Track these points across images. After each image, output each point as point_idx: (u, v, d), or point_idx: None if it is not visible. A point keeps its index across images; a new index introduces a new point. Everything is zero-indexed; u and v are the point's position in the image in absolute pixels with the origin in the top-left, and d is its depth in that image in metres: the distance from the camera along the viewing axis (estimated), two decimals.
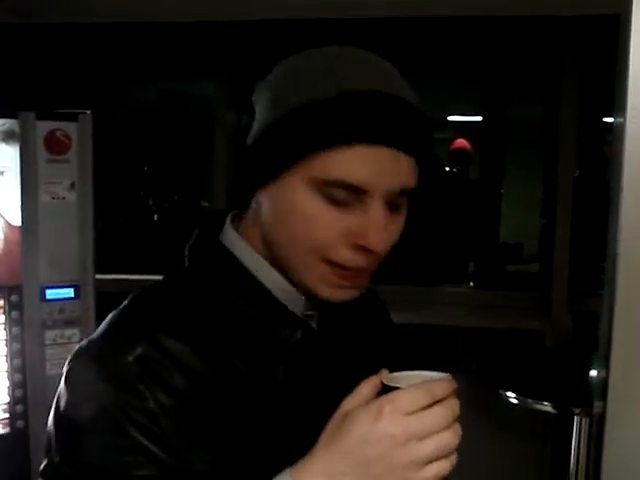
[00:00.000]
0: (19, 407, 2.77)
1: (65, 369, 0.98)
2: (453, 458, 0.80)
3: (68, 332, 2.78)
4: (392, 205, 0.92)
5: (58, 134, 2.74)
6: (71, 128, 2.77)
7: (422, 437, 0.77)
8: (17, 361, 2.77)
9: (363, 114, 0.84)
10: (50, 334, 2.75)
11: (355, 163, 0.85)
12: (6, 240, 2.71)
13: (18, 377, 2.78)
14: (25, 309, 2.76)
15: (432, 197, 5.17)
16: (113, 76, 3.37)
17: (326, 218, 0.89)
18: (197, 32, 3.57)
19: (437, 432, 0.77)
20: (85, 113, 2.79)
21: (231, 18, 3.33)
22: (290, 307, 1.02)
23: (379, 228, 0.88)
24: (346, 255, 0.90)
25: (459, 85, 5.08)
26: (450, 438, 0.79)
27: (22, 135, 2.70)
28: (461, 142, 5.35)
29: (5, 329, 2.74)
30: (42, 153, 2.72)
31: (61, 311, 2.77)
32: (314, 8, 3.11)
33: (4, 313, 2.74)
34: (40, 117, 2.73)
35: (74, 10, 3.10)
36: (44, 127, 2.73)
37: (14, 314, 2.75)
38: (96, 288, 2.81)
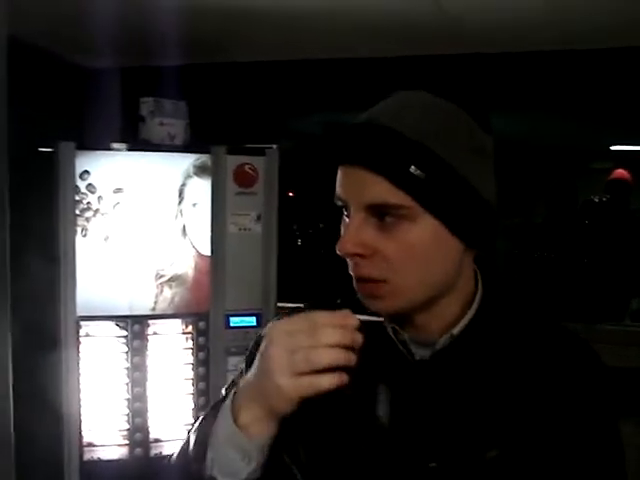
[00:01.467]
0: None
1: None
2: (333, 377, 0.92)
3: None
4: (382, 219, 1.00)
5: (247, 168, 2.86)
6: (259, 162, 2.88)
7: (293, 350, 0.91)
8: (202, 385, 2.88)
9: (339, 142, 1.04)
10: (233, 360, 2.85)
11: (339, 180, 1.03)
12: (196, 269, 2.84)
13: (202, 400, 2.90)
14: (210, 335, 2.87)
15: (588, 229, 5.04)
16: (283, 109, 3.48)
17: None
18: (361, 66, 3.63)
19: (307, 348, 0.91)
20: (272, 148, 2.90)
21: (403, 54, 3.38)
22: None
23: (346, 232, 1.01)
24: (349, 264, 1.04)
25: (623, 114, 4.95)
26: (320, 355, 0.91)
27: (214, 169, 2.83)
28: (620, 172, 5.19)
29: (192, 354, 2.86)
30: (231, 186, 2.85)
31: (244, 338, 2.86)
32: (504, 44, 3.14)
33: (192, 339, 2.86)
34: (230, 152, 2.85)
35: (257, 49, 3.24)
36: (234, 161, 2.85)
37: (201, 340, 2.87)
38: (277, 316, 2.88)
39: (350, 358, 0.93)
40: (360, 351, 0.95)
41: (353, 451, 1.07)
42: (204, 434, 1.01)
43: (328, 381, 0.92)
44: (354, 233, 1.01)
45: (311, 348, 0.91)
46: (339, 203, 1.05)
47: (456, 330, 1.07)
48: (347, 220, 1.04)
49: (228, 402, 0.99)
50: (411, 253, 1.01)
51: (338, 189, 1.04)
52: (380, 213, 1.00)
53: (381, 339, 1.09)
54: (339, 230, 1.06)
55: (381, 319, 1.00)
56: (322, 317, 0.94)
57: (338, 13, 2.87)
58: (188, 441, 1.05)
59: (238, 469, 0.97)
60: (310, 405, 0.96)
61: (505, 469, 1.02)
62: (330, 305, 1.04)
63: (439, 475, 1.03)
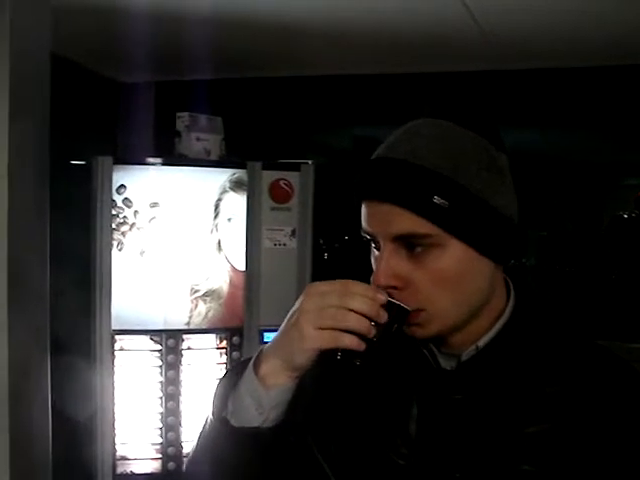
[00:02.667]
0: None
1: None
2: (353, 338, 0.97)
3: None
4: (411, 249, 1.04)
5: (282, 183, 2.86)
6: (294, 177, 2.88)
7: (322, 307, 0.98)
8: None
9: (362, 179, 1.07)
10: None
11: (365, 215, 1.07)
12: (231, 284, 2.84)
13: None
14: (244, 350, 2.87)
15: (617, 245, 5.01)
16: (315, 123, 3.49)
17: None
18: (389, 82, 3.63)
19: (335, 307, 0.97)
20: (307, 163, 2.90)
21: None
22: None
23: (378, 265, 1.04)
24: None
25: None
26: (345, 316, 0.97)
27: (249, 184, 2.83)
28: None
29: (226, 369, 2.86)
30: (266, 201, 2.85)
31: None
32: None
33: (226, 354, 2.86)
34: (266, 167, 2.86)
35: (291, 64, 3.25)
36: (269, 176, 2.86)
37: (235, 355, 2.87)
38: None
39: (370, 329, 0.98)
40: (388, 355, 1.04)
41: (380, 458, 1.10)
42: (224, 387, 1.08)
43: (349, 339, 0.97)
44: (386, 265, 1.04)
45: (339, 308, 0.97)
46: (367, 237, 1.09)
47: (483, 342, 1.09)
48: (377, 253, 1.08)
49: (253, 357, 1.06)
50: (444, 279, 1.04)
51: (365, 224, 1.07)
52: (409, 243, 1.04)
53: (408, 347, 1.11)
54: (364, 243, 1.11)
55: (408, 308, 1.02)
56: (356, 285, 1.00)
57: (370, 29, 2.87)
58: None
59: (251, 417, 1.03)
60: (327, 380, 1.08)
61: None
62: None
63: None
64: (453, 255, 1.04)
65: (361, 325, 0.98)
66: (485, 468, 1.04)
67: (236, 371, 1.08)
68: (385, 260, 1.04)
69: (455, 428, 1.07)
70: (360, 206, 1.08)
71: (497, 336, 1.09)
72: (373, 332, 0.99)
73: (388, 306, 1.00)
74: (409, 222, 1.02)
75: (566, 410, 1.04)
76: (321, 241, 7.26)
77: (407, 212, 1.02)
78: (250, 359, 1.07)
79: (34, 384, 2.47)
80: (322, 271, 3.04)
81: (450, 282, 1.04)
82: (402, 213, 1.02)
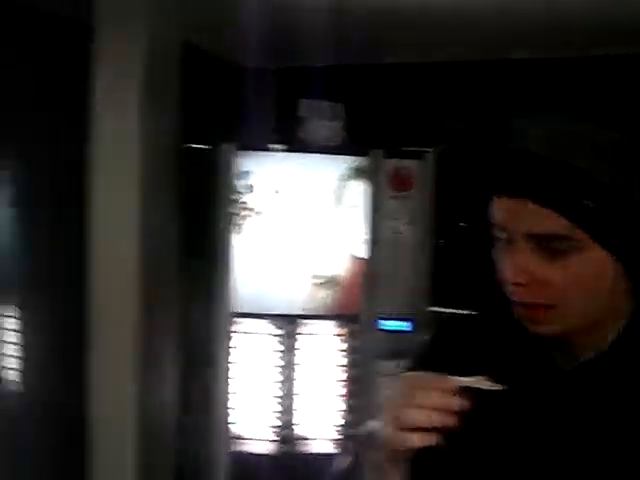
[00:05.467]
0: (351, 430, 2.88)
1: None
2: (422, 437, 0.95)
3: (400, 363, 2.84)
4: (549, 250, 0.99)
5: (402, 172, 2.83)
6: (415, 165, 2.84)
7: (394, 406, 0.97)
8: (351, 387, 2.89)
9: (499, 172, 1.02)
10: (383, 364, 2.83)
11: (500, 210, 1.02)
12: (350, 271, 2.84)
13: (351, 402, 2.90)
14: (361, 338, 2.87)
15: None
16: (436, 111, 3.40)
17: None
18: (514, 68, 3.51)
19: (400, 406, 0.96)
20: (428, 151, 2.85)
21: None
22: None
23: (514, 262, 1.01)
24: (509, 289, 1.03)
25: None
26: (408, 415, 0.95)
27: (370, 172, 2.81)
28: None
29: (343, 355, 2.87)
30: (387, 189, 2.82)
31: (394, 342, 2.84)
32: None
33: (343, 340, 2.87)
34: (388, 155, 2.83)
35: (413, 50, 3.20)
36: (391, 164, 2.83)
37: (352, 342, 2.87)
38: (430, 322, 2.85)
39: (445, 420, 0.95)
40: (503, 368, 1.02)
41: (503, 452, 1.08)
42: None
43: (417, 439, 0.96)
44: (519, 262, 1.02)
45: (403, 407, 0.96)
46: (500, 233, 1.05)
47: (604, 343, 1.06)
48: (504, 246, 1.04)
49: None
50: (579, 282, 1.01)
51: (500, 218, 1.03)
52: (546, 243, 1.00)
53: (527, 346, 1.09)
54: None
55: (496, 387, 0.98)
56: (419, 379, 0.99)
57: (495, 14, 2.79)
58: None
59: None
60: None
61: None
62: (503, 314, 1.08)
63: None
64: (593, 260, 1.01)
65: (429, 420, 0.96)
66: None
67: None
68: (517, 256, 1.02)
69: (570, 428, 1.04)
70: (489, 197, 1.05)
71: (619, 338, 1.06)
72: (450, 420, 0.95)
73: (465, 389, 0.97)
74: (553, 222, 0.99)
75: None
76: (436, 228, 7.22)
77: (551, 212, 0.98)
78: None
79: (165, 363, 2.56)
80: (437, 259, 2.99)
81: (584, 286, 1.01)
82: (545, 212, 0.98)
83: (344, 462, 1.05)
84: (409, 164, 2.84)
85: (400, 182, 2.84)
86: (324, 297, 2.84)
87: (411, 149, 2.86)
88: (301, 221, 2.81)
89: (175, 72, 2.43)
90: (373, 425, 1.05)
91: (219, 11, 2.88)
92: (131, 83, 2.28)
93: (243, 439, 2.90)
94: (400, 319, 2.86)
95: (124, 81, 2.29)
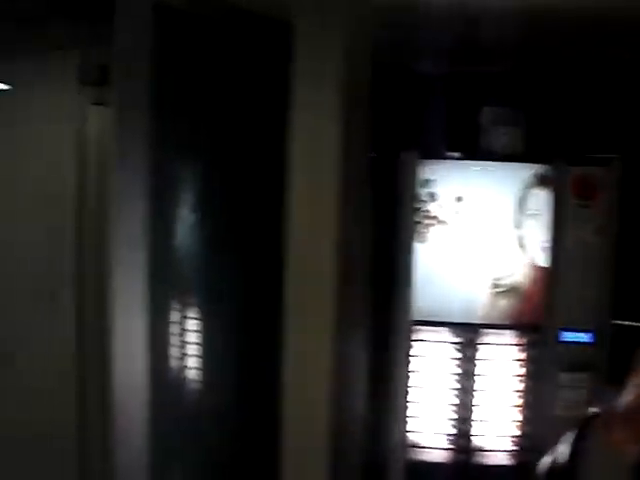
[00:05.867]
0: (524, 441, 2.84)
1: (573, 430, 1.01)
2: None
3: (579, 376, 2.78)
4: None
5: (587, 179, 2.77)
6: (600, 173, 2.77)
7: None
8: (530, 398, 2.84)
9: None
10: (564, 376, 2.77)
11: None
12: (532, 280, 2.80)
13: (527, 413, 2.86)
14: (542, 349, 2.82)
15: None
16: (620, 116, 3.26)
17: None
18: None
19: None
20: (615, 158, 2.78)
21: None
22: None
23: None
24: None
25: None
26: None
27: (554, 180, 2.76)
28: None
29: (522, 366, 2.83)
30: (570, 198, 2.77)
31: (575, 354, 2.78)
32: None
33: (523, 351, 2.83)
34: (571, 162, 2.77)
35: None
36: (575, 172, 2.77)
37: (532, 353, 2.83)
38: (612, 335, 2.78)
39: None
40: None
41: None
42: None
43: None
44: None
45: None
46: None
47: None
48: None
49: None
50: None
51: None
52: None
53: None
54: None
55: None
56: None
57: None
58: None
59: None
60: None
61: None
62: None
63: None
64: None
65: None
66: None
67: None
68: None
69: None
70: None
71: None
72: None
73: None
74: None
75: None
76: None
77: None
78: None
79: (354, 371, 2.60)
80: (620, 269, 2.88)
81: None
82: None
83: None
84: (594, 171, 2.78)
85: (585, 190, 2.77)
86: (504, 306, 2.81)
87: (596, 156, 2.79)
88: (483, 229, 2.79)
89: (367, 76, 2.45)
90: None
91: (397, 20, 2.89)
92: (330, 82, 2.30)
93: (420, 447, 2.90)
94: (581, 331, 2.80)
95: (322, 81, 2.32)
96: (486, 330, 2.82)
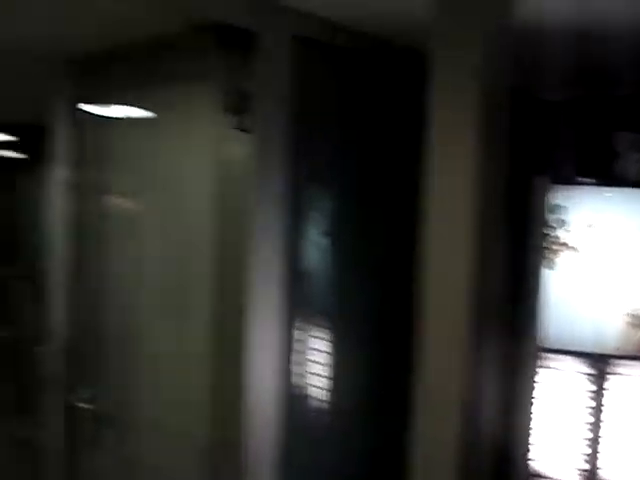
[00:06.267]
0: None
1: None
2: None
3: None
4: None
5: None
6: None
7: None
8: None
9: None
10: None
11: None
12: None
13: None
14: None
15: None
16: None
17: None
18: None
19: None
20: None
21: None
22: None
23: None
24: None
25: None
26: None
27: None
28: None
29: None
30: None
31: None
32: None
33: None
34: None
35: None
36: None
37: None
38: None
39: None
40: None
41: None
42: None
43: None
44: None
45: None
46: None
47: None
48: None
49: None
50: None
51: None
52: None
53: None
54: None
55: None
56: None
57: None
58: None
59: None
60: None
61: None
62: None
63: None
64: None
65: None
66: None
67: None
68: None
69: None
70: None
71: None
72: None
73: None
74: None
75: None
76: None
77: None
78: None
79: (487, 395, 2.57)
80: None
81: None
82: None
83: None
84: None
85: None
86: (639, 337, 2.73)
87: None
88: (616, 257, 2.72)
89: (504, 103, 2.44)
90: None
91: (526, 49, 2.88)
92: (468, 115, 2.29)
93: (542, 477, 2.85)
94: None
95: (460, 113, 2.31)
96: (618, 361, 2.74)
